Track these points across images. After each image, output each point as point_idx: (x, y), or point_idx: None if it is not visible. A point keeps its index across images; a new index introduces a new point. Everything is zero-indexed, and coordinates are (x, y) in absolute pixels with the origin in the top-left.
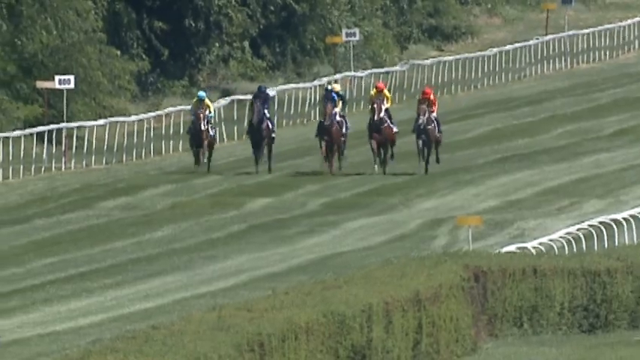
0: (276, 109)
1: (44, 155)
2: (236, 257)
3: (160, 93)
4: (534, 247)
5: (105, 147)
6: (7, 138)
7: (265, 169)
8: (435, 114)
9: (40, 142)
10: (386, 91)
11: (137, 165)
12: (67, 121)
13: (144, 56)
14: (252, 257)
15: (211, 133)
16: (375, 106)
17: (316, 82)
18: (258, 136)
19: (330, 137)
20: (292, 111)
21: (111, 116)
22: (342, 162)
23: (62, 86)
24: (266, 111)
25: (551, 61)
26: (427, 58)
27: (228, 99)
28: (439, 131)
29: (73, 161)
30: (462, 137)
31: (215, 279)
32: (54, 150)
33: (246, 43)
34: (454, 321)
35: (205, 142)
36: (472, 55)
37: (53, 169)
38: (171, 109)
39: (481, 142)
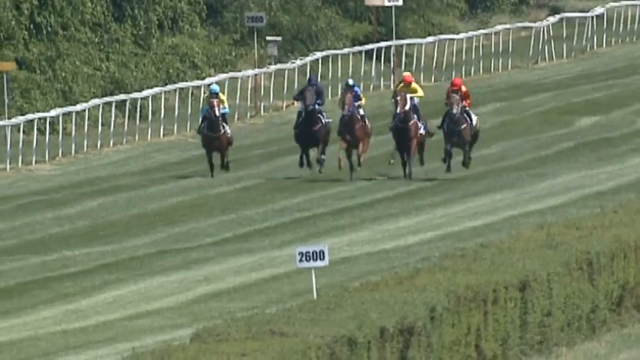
0: (605, 27)
1: (373, 73)
2: (565, 175)
3: (489, 10)
4: None
5: (434, 64)
6: (337, 55)
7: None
8: (467, 108)
9: (369, 59)
10: (414, 85)
11: (466, 83)
12: (396, 39)
13: None
14: (581, 175)
15: (228, 131)
16: (399, 98)
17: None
18: (309, 138)
19: (352, 136)
20: (621, 29)
21: (440, 34)
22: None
23: (391, 3)
24: (317, 105)
25: None
26: None
27: (557, 17)
28: (471, 128)
29: None
30: None
31: (544, 197)
32: (382, 67)
33: None
34: None
35: (221, 139)
36: None
37: (382, 87)
38: (499, 27)
39: None
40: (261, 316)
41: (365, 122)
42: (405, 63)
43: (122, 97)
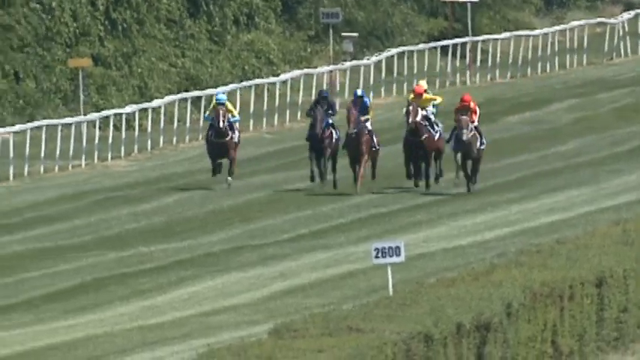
0: None
1: (448, 69)
2: None
3: (564, 7)
4: None
5: (509, 60)
6: (412, 52)
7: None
8: (476, 123)
9: (444, 55)
10: (426, 95)
11: (542, 79)
12: (472, 35)
13: None
14: None
15: (235, 138)
16: (411, 108)
17: None
18: (320, 149)
19: (356, 150)
20: None
21: (516, 30)
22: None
23: None
24: (329, 119)
25: None
26: None
27: (632, 13)
28: (481, 143)
29: (477, 75)
30: None
31: (619, 193)
32: (458, 64)
33: None
34: None
35: (227, 144)
36: None
37: (458, 82)
38: (575, 23)
39: None
40: (338, 312)
41: (372, 137)
42: (481, 59)
43: (197, 93)
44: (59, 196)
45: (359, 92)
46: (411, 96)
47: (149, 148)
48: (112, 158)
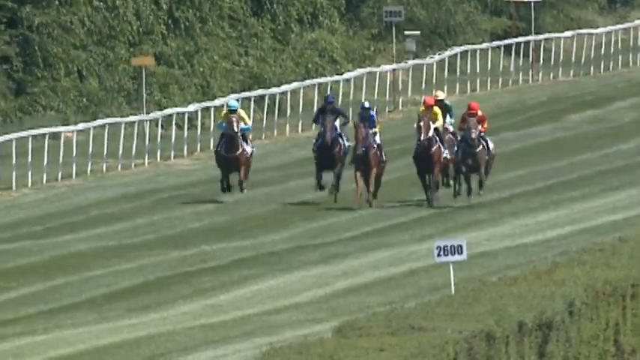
0: None
1: (511, 68)
2: None
3: (627, 5)
4: None
5: (572, 59)
6: (475, 51)
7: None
8: (483, 133)
9: (508, 54)
10: (436, 108)
11: (604, 77)
12: (535, 34)
13: None
14: None
15: (247, 149)
16: (422, 124)
17: None
18: (330, 160)
19: (365, 165)
20: None
21: (579, 28)
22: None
23: None
24: (337, 125)
25: None
26: None
27: None
28: (488, 154)
29: (540, 74)
30: None
31: None
32: (521, 62)
33: None
34: None
35: (238, 158)
36: None
37: (520, 81)
38: (638, 21)
39: None
40: (400, 311)
41: (380, 152)
42: (544, 58)
43: (260, 92)
44: (122, 195)
45: (366, 104)
46: (422, 108)
47: (212, 146)
48: (174, 157)
